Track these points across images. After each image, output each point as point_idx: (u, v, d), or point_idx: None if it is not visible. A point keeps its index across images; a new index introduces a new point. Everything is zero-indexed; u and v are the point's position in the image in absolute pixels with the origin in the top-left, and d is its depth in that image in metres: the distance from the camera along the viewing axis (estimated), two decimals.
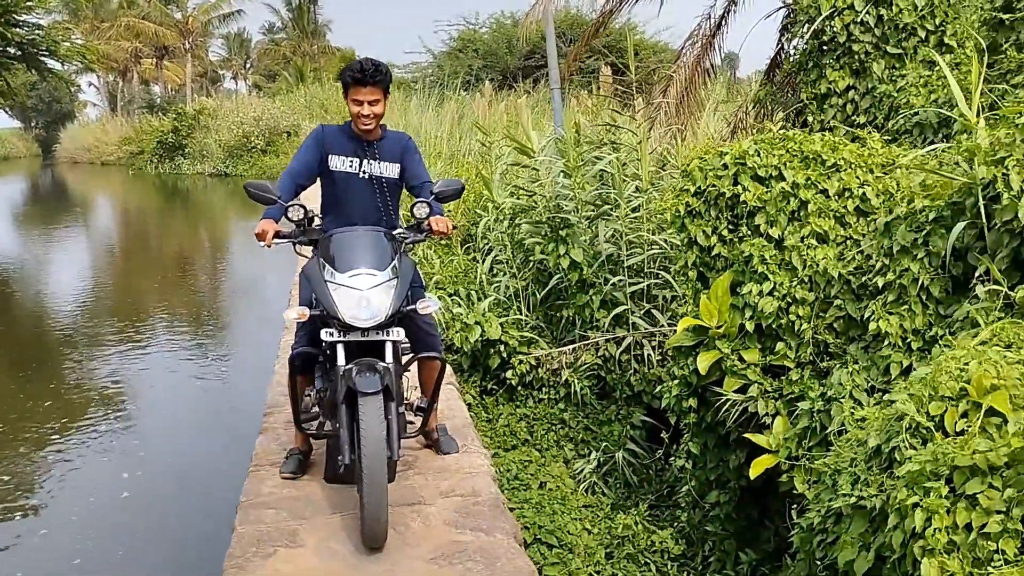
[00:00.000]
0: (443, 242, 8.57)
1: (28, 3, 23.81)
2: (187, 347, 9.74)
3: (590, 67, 20.78)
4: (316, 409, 4.26)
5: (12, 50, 24.60)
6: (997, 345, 3.01)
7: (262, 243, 4.04)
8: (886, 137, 5.48)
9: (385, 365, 3.78)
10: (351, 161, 4.27)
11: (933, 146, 4.03)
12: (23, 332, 11.21)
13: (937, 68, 5.55)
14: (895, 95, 5.70)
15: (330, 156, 4.26)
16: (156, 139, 41.21)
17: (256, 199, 4.00)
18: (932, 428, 2.77)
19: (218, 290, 13.81)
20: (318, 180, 4.39)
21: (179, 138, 39.46)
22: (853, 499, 2.96)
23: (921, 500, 2.55)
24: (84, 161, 53.75)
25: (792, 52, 6.51)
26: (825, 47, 6.04)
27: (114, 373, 8.61)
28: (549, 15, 8.34)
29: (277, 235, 4.06)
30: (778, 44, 7.04)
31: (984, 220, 3.37)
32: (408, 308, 4.03)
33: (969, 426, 2.67)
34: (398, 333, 3.94)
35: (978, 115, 3.58)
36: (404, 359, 4.31)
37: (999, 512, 2.41)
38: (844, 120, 5.97)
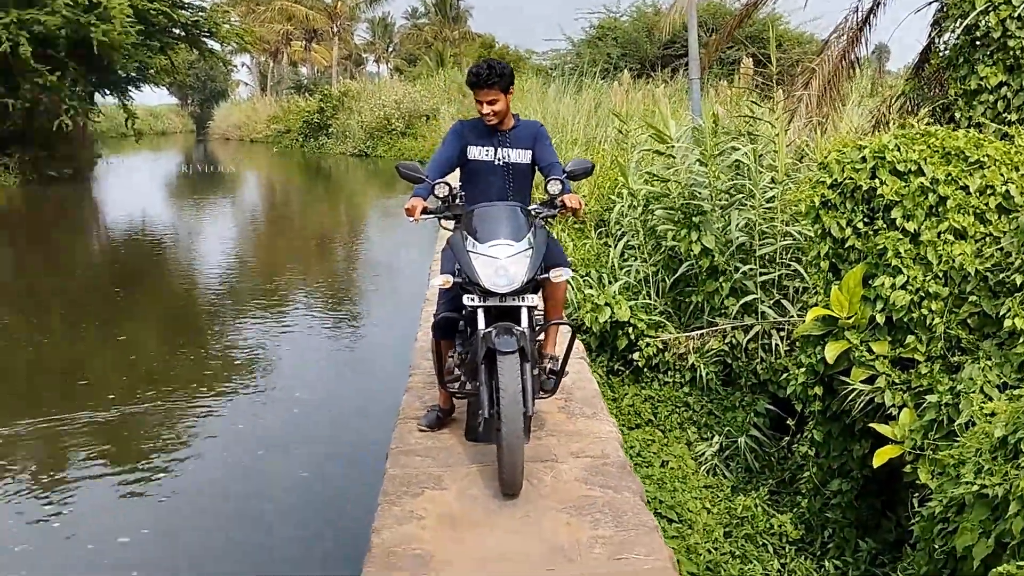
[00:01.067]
0: (577, 225, 8.78)
1: None
2: (335, 315, 10.34)
3: (731, 57, 20.51)
4: (458, 371, 4.57)
5: (177, 31, 26.25)
6: None
7: (411, 218, 4.40)
8: None
9: (521, 329, 4.10)
10: (487, 150, 4.66)
11: None
12: (183, 298, 12.06)
13: None
14: None
15: (469, 147, 4.66)
16: (302, 119, 42.98)
17: (406, 178, 4.43)
18: None
19: (363, 262, 14.46)
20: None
21: (324, 118, 41.00)
22: (976, 488, 3.03)
23: None
24: (234, 138, 56.44)
25: (942, 47, 6.38)
26: (978, 43, 5.91)
27: (267, 337, 9.24)
28: (692, 5, 8.39)
29: (424, 211, 4.41)
30: (928, 39, 6.90)
31: None
32: (542, 276, 4.33)
33: None
34: (532, 299, 4.25)
35: None
36: (539, 325, 4.65)
37: None
38: (994, 117, 5.84)
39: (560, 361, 4.72)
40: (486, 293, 4.16)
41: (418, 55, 55.23)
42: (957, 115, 6.08)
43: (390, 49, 67.94)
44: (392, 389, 6.03)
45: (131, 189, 26.74)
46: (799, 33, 25.06)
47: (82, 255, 15.53)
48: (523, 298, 4.21)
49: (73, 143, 26.70)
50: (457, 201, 4.49)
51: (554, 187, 4.36)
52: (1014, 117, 5.72)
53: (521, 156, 4.67)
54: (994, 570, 2.65)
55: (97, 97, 28.15)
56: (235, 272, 13.62)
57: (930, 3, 6.87)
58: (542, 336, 4.81)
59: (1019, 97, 5.74)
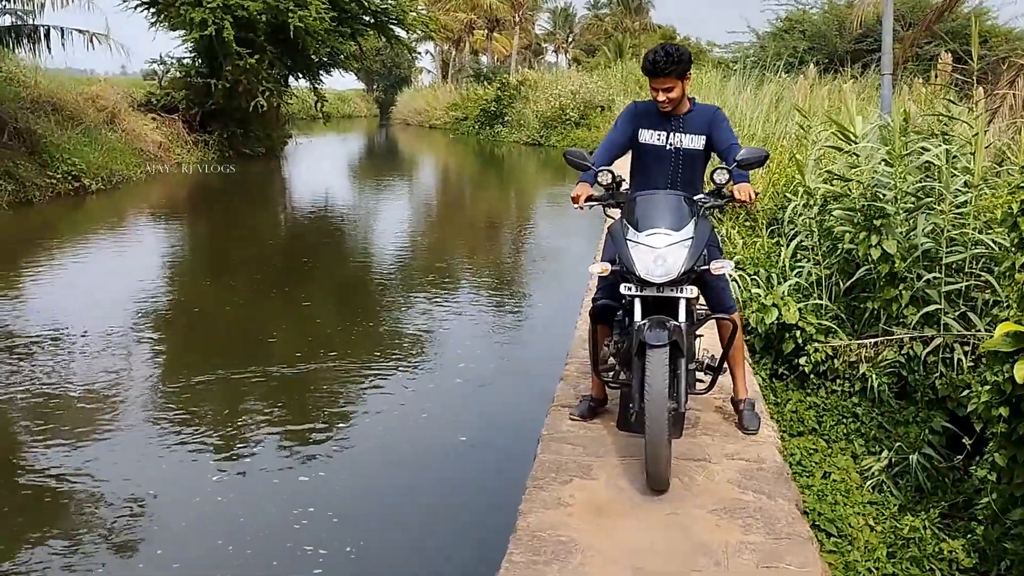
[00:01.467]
0: (747, 222, 8.53)
1: None
2: (499, 298, 10.54)
3: (928, 53, 19.27)
4: (613, 360, 4.55)
5: (367, 18, 27.36)
6: None
7: (576, 205, 4.40)
8: None
9: (676, 323, 4.03)
10: (659, 134, 4.58)
11: None
12: (362, 271, 12.65)
13: None
14: None
15: (640, 130, 4.59)
16: (480, 107, 43.90)
17: (573, 165, 4.43)
18: None
19: (530, 248, 14.64)
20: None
21: (500, 107, 41.71)
22: None
23: None
24: (414, 123, 58.37)
25: None
26: None
27: (438, 316, 9.53)
28: None
29: (589, 198, 4.40)
30: None
31: None
32: (702, 267, 4.23)
33: None
34: (691, 291, 4.17)
35: None
36: (699, 319, 4.56)
37: None
38: None
39: (718, 358, 4.63)
40: (643, 283, 4.12)
41: (597, 46, 55.27)
42: None
43: (570, 39, 68.29)
44: (549, 374, 6.10)
45: (319, 169, 28.19)
46: (1008, 29, 23.33)
47: (271, 227, 16.60)
48: (680, 289, 4.14)
49: (267, 123, 28.38)
50: (622, 188, 4.47)
51: (720, 176, 4.27)
52: None
53: (694, 142, 4.57)
54: None
55: (290, 80, 29.76)
56: (408, 251, 14.14)
57: None
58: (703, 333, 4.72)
59: None
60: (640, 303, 4.16)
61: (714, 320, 4.72)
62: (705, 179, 4.78)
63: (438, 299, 10.22)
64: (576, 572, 3.28)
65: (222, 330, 9.07)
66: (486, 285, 11.29)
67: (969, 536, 4.66)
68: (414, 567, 4.61)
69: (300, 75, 29.31)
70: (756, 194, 4.53)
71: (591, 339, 4.62)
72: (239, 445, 6.00)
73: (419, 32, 30.33)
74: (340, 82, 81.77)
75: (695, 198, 4.39)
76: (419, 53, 63.36)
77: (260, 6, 22.57)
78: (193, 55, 26.59)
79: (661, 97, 4.44)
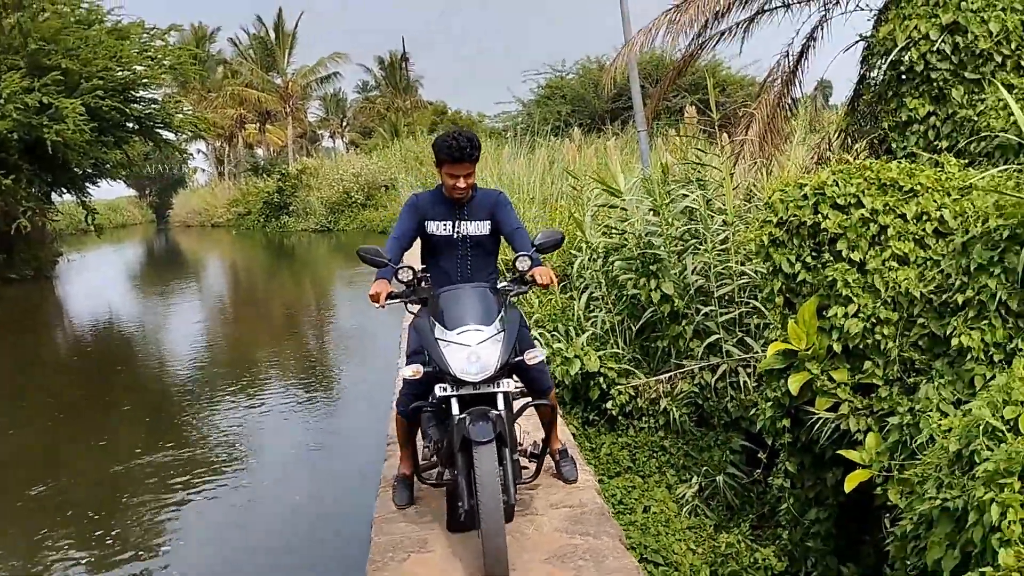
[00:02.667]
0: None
1: (144, 80, 25.56)
2: (304, 391, 10.35)
3: (677, 105, 21.04)
4: (435, 458, 4.45)
5: (131, 124, 26.40)
6: None
7: (376, 304, 4.25)
8: (967, 160, 5.62)
9: (497, 413, 3.94)
10: (445, 224, 4.49)
11: (1005, 167, 4.20)
12: (149, 388, 12.00)
13: (1016, 91, 5.68)
14: (975, 119, 5.83)
15: (426, 221, 4.50)
16: (262, 200, 43.28)
17: (368, 262, 4.29)
18: (1006, 431, 2.96)
19: (334, 339, 14.48)
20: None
21: (283, 197, 41.31)
22: (938, 502, 3.16)
23: (997, 496, 2.74)
24: (195, 224, 56.50)
25: (872, 83, 6.68)
26: (904, 76, 6.21)
27: (244, 423, 9.24)
28: (633, 61, 8.72)
29: (389, 295, 4.28)
30: (859, 75, 7.21)
31: None
32: (516, 359, 4.18)
33: None
34: (508, 384, 4.09)
35: None
36: (517, 405, 4.40)
37: None
38: (926, 146, 6.10)
39: (541, 443, 4.64)
40: (458, 382, 3.98)
41: (372, 127, 55.90)
42: (893, 146, 6.36)
43: (344, 123, 68.62)
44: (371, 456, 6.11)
45: (95, 285, 26.60)
46: (741, 77, 25.83)
47: (51, 353, 15.43)
48: (498, 383, 4.04)
49: (32, 244, 26.56)
50: (422, 284, 4.41)
51: (523, 264, 4.26)
52: (944, 144, 5.99)
53: (480, 228, 4.50)
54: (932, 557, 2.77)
55: (54, 196, 28.12)
56: (206, 360, 13.56)
57: (857, 42, 7.19)
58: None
59: (947, 125, 6.01)
60: (457, 400, 4.01)
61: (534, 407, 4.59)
62: (500, 263, 4.93)
63: (245, 403, 9.92)
64: None
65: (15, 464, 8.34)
66: (294, 387, 11.03)
67: (777, 542, 5.08)
68: None
69: (65, 190, 27.76)
70: (557, 277, 4.57)
71: (403, 433, 4.56)
72: None
73: (188, 132, 29.60)
74: (109, 191, 77.79)
75: (499, 287, 4.39)
76: (191, 154, 61.69)
77: (10, 124, 21.25)
78: None
79: (462, 184, 4.33)
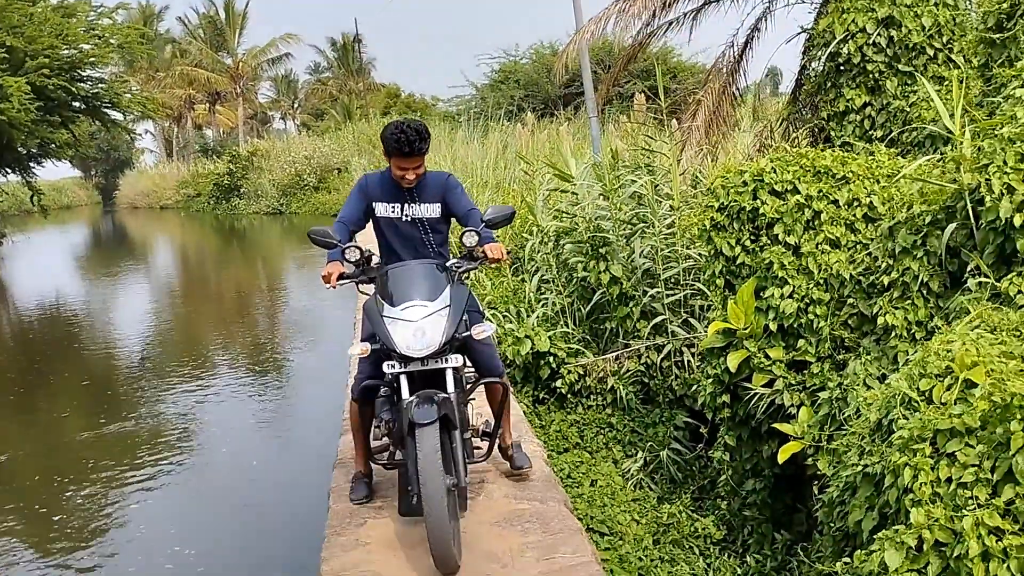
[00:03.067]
0: (493, 265, 9.11)
1: (91, 59, 25.12)
2: (257, 372, 10.41)
3: (629, 91, 21.29)
4: (386, 439, 4.45)
5: (77, 104, 25.96)
6: (983, 329, 3.44)
7: (328, 285, 4.26)
8: (900, 149, 5.91)
9: (444, 395, 3.92)
10: (393, 207, 4.48)
11: (927, 157, 4.45)
12: (95, 370, 11.95)
13: (946, 83, 5.97)
14: (908, 110, 6.12)
15: (374, 203, 4.49)
16: (212, 182, 42.75)
17: (318, 243, 4.24)
18: (922, 401, 3.20)
19: (285, 315, 14.50)
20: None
21: (234, 179, 40.85)
22: (860, 468, 3.40)
23: (910, 460, 2.98)
24: (143, 206, 55.59)
25: (812, 74, 6.94)
26: (841, 68, 6.47)
27: (199, 402, 9.29)
28: (584, 50, 8.90)
29: (341, 276, 4.27)
30: (800, 66, 7.48)
31: (973, 221, 3.81)
32: (464, 334, 4.16)
33: (955, 398, 3.11)
34: (456, 360, 4.06)
35: (963, 128, 4.02)
36: (469, 386, 4.44)
37: (973, 466, 2.83)
38: (862, 135, 6.38)
39: (493, 422, 4.65)
40: (405, 358, 3.97)
41: (324, 109, 55.40)
42: (832, 135, 6.63)
43: (296, 105, 67.89)
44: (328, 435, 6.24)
45: (41, 267, 26.18)
46: (692, 64, 26.13)
47: None
48: (445, 359, 4.03)
49: None
50: (372, 263, 4.41)
51: (470, 239, 4.23)
52: (879, 134, 6.27)
53: (429, 210, 4.50)
54: (876, 535, 3.00)
55: None
56: (154, 341, 13.52)
57: (799, 34, 7.44)
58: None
59: (882, 115, 6.30)
60: (407, 379, 4.01)
61: (483, 386, 4.54)
62: (452, 242, 4.87)
63: (196, 384, 9.95)
64: None
65: None
66: (245, 370, 11.07)
67: (716, 512, 5.33)
68: None
69: (8, 170, 27.20)
70: (508, 252, 4.58)
71: (355, 420, 4.51)
72: None
73: (136, 113, 29.13)
74: (53, 172, 76.19)
75: (448, 264, 4.34)
76: (139, 134, 60.56)
77: None
78: None
79: (410, 175, 4.34)
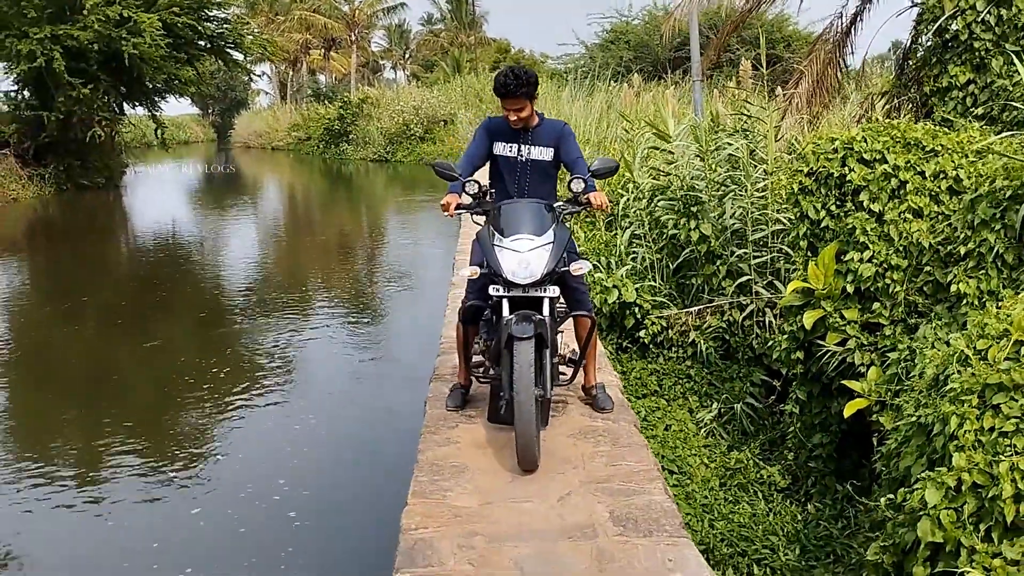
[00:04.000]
0: (588, 219, 9.42)
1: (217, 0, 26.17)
2: (358, 309, 11.04)
3: (739, 58, 21.09)
4: (482, 356, 4.98)
5: (202, 42, 27.09)
6: None
7: (446, 213, 4.76)
8: (999, 128, 5.96)
9: (540, 317, 4.40)
10: (511, 147, 4.95)
11: (1011, 133, 4.57)
12: (211, 300, 12.77)
13: None
14: (1011, 89, 6.15)
15: (495, 143, 4.96)
16: (322, 126, 43.87)
17: (441, 175, 4.76)
18: (977, 359, 3.43)
19: (387, 262, 15.10)
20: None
21: (344, 125, 41.83)
22: (914, 419, 3.65)
23: (958, 410, 3.23)
24: (256, 146, 57.50)
25: (919, 48, 6.98)
26: (948, 44, 6.52)
27: (306, 332, 9.94)
28: (694, 11, 9.03)
29: (458, 207, 4.77)
30: (908, 41, 7.50)
31: None
32: (562, 269, 4.60)
33: (1007, 357, 3.33)
34: (553, 290, 4.54)
35: None
36: (561, 316, 4.98)
37: (1015, 417, 3.07)
38: (963, 112, 6.44)
39: (579, 352, 5.06)
40: (509, 284, 4.45)
41: (435, 61, 56.06)
42: (933, 111, 6.69)
43: (407, 56, 68.77)
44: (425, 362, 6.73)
45: (162, 196, 27.67)
46: (808, 33, 25.61)
47: (117, 260, 16.34)
48: (543, 289, 4.50)
49: (104, 153, 27.63)
50: (487, 198, 4.80)
51: (577, 185, 4.64)
52: (980, 112, 6.33)
53: (543, 153, 4.92)
54: (920, 476, 3.27)
55: (126, 108, 29.09)
56: (270, 276, 14.16)
57: (911, 7, 7.45)
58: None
59: (984, 94, 6.34)
60: (508, 303, 4.49)
61: (573, 319, 5.06)
62: (559, 188, 5.26)
63: (304, 318, 10.58)
64: (467, 481, 4.15)
65: (79, 366, 8.85)
66: (353, 301, 11.70)
67: (783, 462, 5.60)
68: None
69: (137, 103, 28.67)
70: (611, 202, 5.06)
71: (461, 336, 5.02)
72: (104, 483, 5.97)
73: (256, 54, 30.22)
74: (174, 108, 79.26)
75: (554, 205, 4.75)
76: (258, 75, 62.46)
77: (91, 35, 22.07)
78: (19, 87, 25.64)
79: (513, 116, 4.77)
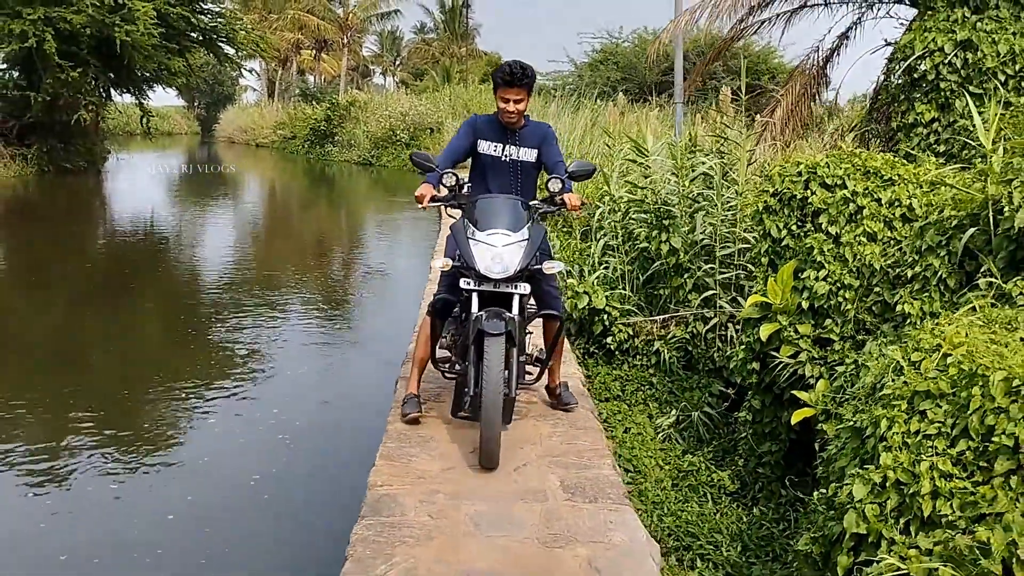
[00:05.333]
0: (565, 228, 9.70)
1: None
2: (329, 307, 11.22)
3: (723, 86, 21.54)
4: (449, 352, 5.06)
5: (195, 34, 27.26)
6: (979, 320, 3.91)
7: (420, 204, 4.78)
8: (960, 165, 6.29)
9: (511, 315, 4.46)
10: (496, 146, 5.03)
11: (960, 166, 4.88)
12: (184, 288, 12.89)
13: (1012, 108, 6.32)
14: (971, 129, 6.48)
15: (479, 140, 5.04)
16: (309, 126, 43.98)
17: (418, 165, 4.81)
18: (910, 369, 3.70)
19: (362, 263, 15.21)
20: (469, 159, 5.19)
21: (330, 127, 41.97)
22: (850, 423, 3.92)
23: (887, 413, 3.50)
24: (240, 142, 57.43)
25: (889, 85, 7.33)
26: (917, 83, 6.87)
27: (272, 328, 10.10)
28: (678, 38, 9.37)
29: (433, 199, 4.81)
30: (880, 78, 7.85)
31: (992, 228, 4.27)
32: (535, 267, 4.68)
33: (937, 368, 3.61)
34: (524, 288, 4.60)
35: (996, 145, 4.46)
36: (530, 315, 5.04)
37: (939, 422, 3.35)
38: (926, 148, 6.78)
39: (547, 350, 5.15)
40: (481, 278, 4.50)
41: (425, 69, 56.40)
42: (900, 145, 7.03)
43: (397, 62, 69.09)
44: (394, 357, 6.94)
45: (141, 184, 27.66)
46: (792, 66, 26.16)
47: (93, 243, 16.40)
48: (515, 285, 4.55)
49: (88, 137, 27.69)
50: (463, 191, 4.87)
51: (554, 185, 4.73)
52: (942, 148, 6.67)
53: (527, 155, 5.03)
54: (851, 473, 3.53)
55: (114, 94, 29.16)
56: (249, 270, 14.11)
57: (883, 46, 7.82)
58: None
59: (947, 132, 6.68)
60: (477, 297, 4.54)
61: (541, 320, 5.15)
62: (538, 188, 5.39)
63: (271, 314, 10.68)
64: (432, 449, 4.46)
65: (44, 347, 8.89)
66: (318, 296, 11.80)
67: (734, 468, 5.86)
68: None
69: (124, 90, 28.74)
70: (583, 203, 5.31)
71: (428, 329, 5.06)
72: (65, 462, 5.90)
73: (248, 50, 30.38)
74: (160, 98, 78.95)
75: (531, 203, 4.84)
76: (249, 70, 62.39)
77: (84, 19, 22.19)
78: (7, 67, 25.69)
79: (511, 107, 4.87)
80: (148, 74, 27.83)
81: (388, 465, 4.18)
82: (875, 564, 3.20)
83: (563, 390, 5.46)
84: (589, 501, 3.98)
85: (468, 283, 4.58)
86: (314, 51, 57.82)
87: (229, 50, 29.59)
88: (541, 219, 4.91)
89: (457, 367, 4.93)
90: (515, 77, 4.81)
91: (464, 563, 3.47)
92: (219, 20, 27.63)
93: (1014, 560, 2.96)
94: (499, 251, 4.52)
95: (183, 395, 7.37)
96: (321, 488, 5.60)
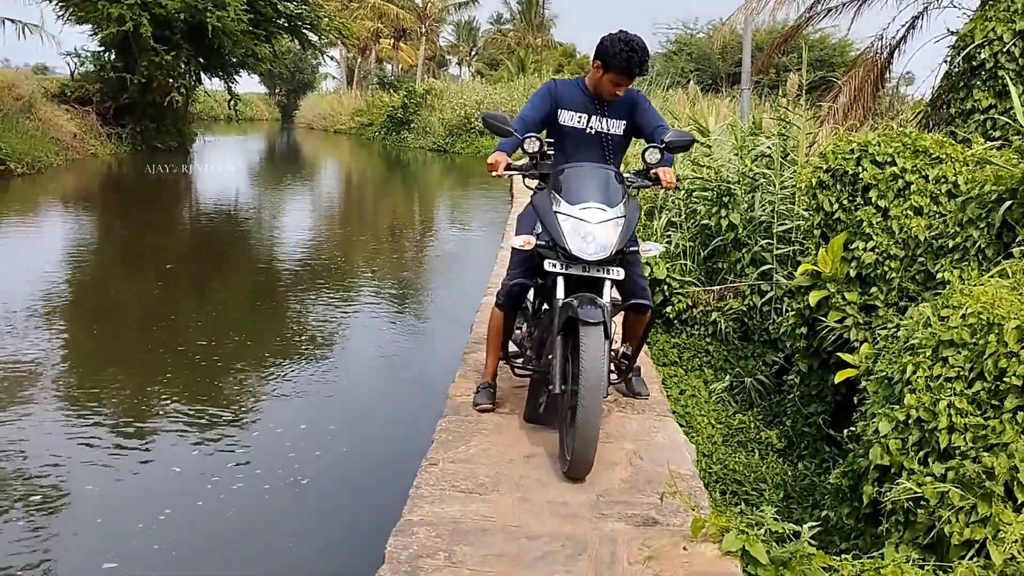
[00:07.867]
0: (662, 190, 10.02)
1: None
2: (399, 293, 11.80)
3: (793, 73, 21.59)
4: (522, 346, 4.59)
5: (281, 21, 28.27)
6: (1009, 285, 4.24)
7: (494, 173, 4.18)
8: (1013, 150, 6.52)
9: (604, 302, 3.79)
10: (580, 116, 4.39)
11: (1003, 147, 5.17)
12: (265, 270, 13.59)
13: None
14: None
15: (560, 110, 4.38)
16: (386, 113, 44.91)
17: (492, 129, 4.10)
18: (937, 322, 4.06)
19: (433, 249, 15.83)
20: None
21: (407, 114, 42.80)
22: (883, 373, 4.29)
23: (912, 360, 3.87)
24: (319, 128, 58.81)
25: (951, 73, 7.55)
26: (976, 70, 7.09)
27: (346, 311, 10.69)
28: (748, 24, 9.67)
29: (508, 167, 4.19)
30: (945, 66, 8.05)
31: None
32: (632, 248, 4.05)
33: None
34: (619, 273, 3.92)
35: None
36: (617, 305, 4.38)
37: (959, 367, 3.71)
38: (983, 133, 6.99)
39: (633, 348, 4.58)
40: (570, 259, 3.84)
41: (500, 60, 56.94)
42: (956, 131, 7.26)
43: (473, 52, 69.81)
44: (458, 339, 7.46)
45: (226, 166, 28.75)
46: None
47: (183, 220, 17.34)
48: (609, 270, 3.89)
49: (178, 119, 28.96)
50: (546, 159, 4.20)
51: (652, 156, 4.09)
52: (998, 134, 6.88)
53: (615, 127, 4.44)
54: (871, 411, 3.92)
55: (204, 78, 30.40)
56: (329, 253, 14.45)
57: (947, 35, 8.02)
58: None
59: (1003, 118, 6.90)
60: (563, 281, 3.89)
61: (629, 309, 4.51)
62: (625, 161, 4.99)
63: (347, 297, 11.31)
64: (492, 428, 4.55)
65: (134, 317, 9.18)
66: (390, 281, 12.34)
67: (781, 427, 6.23)
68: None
69: (213, 75, 29.95)
70: (678, 179, 4.86)
71: (499, 320, 4.49)
72: (153, 428, 6.10)
73: (331, 38, 31.32)
74: (242, 85, 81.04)
75: (624, 176, 4.20)
76: (332, 57, 63.90)
77: (178, 4, 23.32)
78: (105, 49, 26.98)
79: (620, 92, 4.31)
80: (236, 59, 28.94)
81: (464, 382, 5.01)
82: (894, 488, 3.60)
83: (635, 376, 5.10)
84: (638, 413, 4.73)
85: (554, 265, 3.89)
86: (392, 40, 58.85)
87: (313, 37, 30.58)
88: (634, 194, 4.29)
89: (533, 364, 4.34)
90: (632, 70, 4.23)
91: (527, 449, 4.22)
92: (304, 7, 28.60)
93: (1015, 483, 3.34)
94: (592, 228, 3.83)
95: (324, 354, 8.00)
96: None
